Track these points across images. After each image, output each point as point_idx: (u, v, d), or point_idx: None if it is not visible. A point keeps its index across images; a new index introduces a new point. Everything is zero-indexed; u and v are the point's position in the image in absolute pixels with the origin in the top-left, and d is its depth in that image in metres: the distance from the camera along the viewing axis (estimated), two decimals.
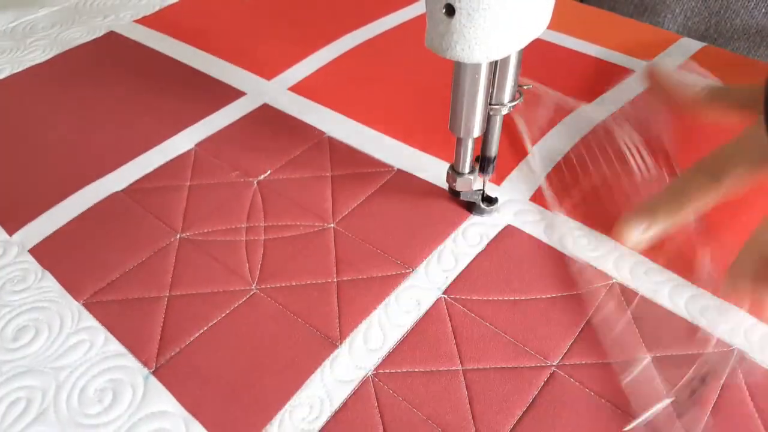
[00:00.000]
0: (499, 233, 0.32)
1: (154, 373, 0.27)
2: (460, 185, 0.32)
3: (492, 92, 0.28)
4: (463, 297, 0.29)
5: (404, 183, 0.35)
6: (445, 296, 0.29)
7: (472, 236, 0.32)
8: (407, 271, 0.31)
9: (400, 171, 0.36)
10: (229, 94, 0.43)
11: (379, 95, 0.42)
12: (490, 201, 0.33)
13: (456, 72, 0.26)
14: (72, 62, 0.48)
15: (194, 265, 0.31)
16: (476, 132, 0.29)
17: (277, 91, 0.43)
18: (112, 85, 0.45)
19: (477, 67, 0.26)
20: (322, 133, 0.39)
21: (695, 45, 0.46)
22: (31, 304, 0.30)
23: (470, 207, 0.33)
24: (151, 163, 0.37)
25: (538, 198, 0.34)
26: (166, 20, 0.52)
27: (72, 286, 0.30)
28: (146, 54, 0.48)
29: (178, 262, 0.31)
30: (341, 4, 0.53)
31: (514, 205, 0.34)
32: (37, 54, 0.49)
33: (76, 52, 0.49)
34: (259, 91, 0.43)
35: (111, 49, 0.49)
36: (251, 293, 0.30)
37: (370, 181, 0.36)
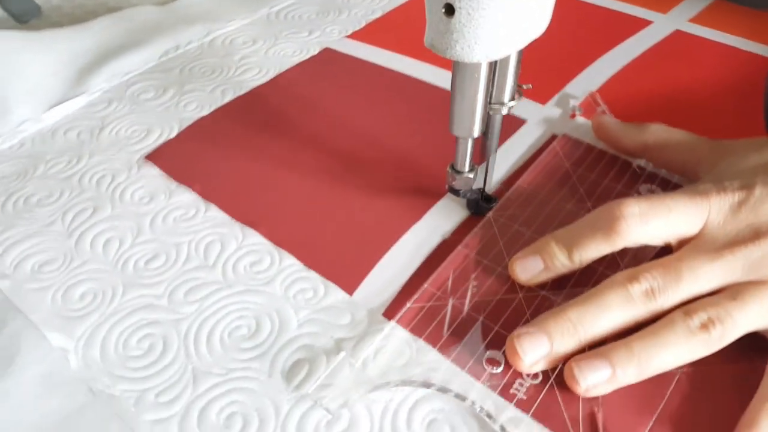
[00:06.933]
0: None
1: None
2: (459, 184, 0.31)
3: (492, 92, 0.28)
4: None
5: None
6: None
7: None
8: None
9: None
10: (511, 123, 0.38)
11: None
12: (489, 200, 0.32)
13: (456, 72, 0.26)
14: (300, 81, 0.43)
15: None
16: (476, 132, 0.28)
17: (560, 119, 0.38)
18: (370, 109, 0.40)
19: (477, 66, 0.25)
20: None
21: None
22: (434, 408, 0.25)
23: (470, 206, 0.32)
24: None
25: None
26: (382, 34, 0.47)
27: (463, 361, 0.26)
28: (385, 74, 0.43)
29: None
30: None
31: None
32: (254, 74, 0.44)
33: (298, 71, 0.44)
34: (545, 120, 0.38)
35: (336, 66, 0.44)
36: None
37: None
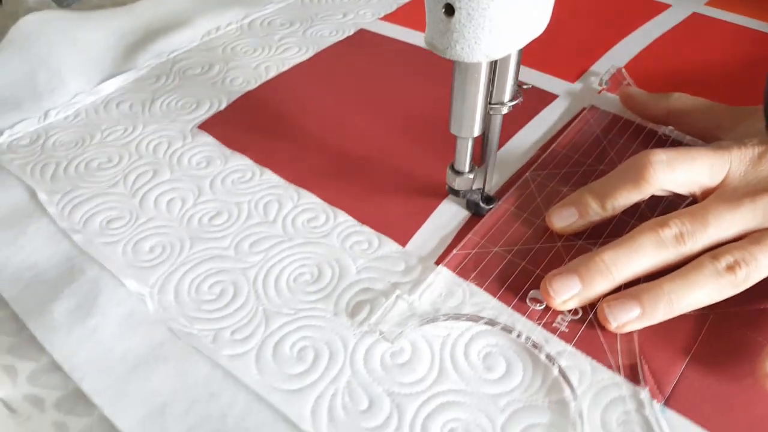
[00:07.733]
0: None
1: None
2: (459, 184, 0.31)
3: (492, 92, 0.28)
4: None
5: None
6: None
7: None
8: None
9: None
10: (544, 97, 0.40)
11: None
12: (490, 200, 0.32)
13: (456, 71, 0.26)
14: (339, 58, 0.45)
15: None
16: (476, 131, 0.29)
17: (588, 93, 0.41)
18: (408, 82, 0.42)
19: (477, 66, 0.25)
20: None
21: None
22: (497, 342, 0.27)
23: (469, 206, 0.32)
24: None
25: None
26: (414, 16, 0.49)
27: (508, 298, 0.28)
28: (420, 52, 0.45)
29: None
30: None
31: None
32: (294, 52, 0.46)
33: (336, 50, 0.46)
34: (574, 95, 0.41)
35: (372, 45, 0.46)
36: None
37: None
